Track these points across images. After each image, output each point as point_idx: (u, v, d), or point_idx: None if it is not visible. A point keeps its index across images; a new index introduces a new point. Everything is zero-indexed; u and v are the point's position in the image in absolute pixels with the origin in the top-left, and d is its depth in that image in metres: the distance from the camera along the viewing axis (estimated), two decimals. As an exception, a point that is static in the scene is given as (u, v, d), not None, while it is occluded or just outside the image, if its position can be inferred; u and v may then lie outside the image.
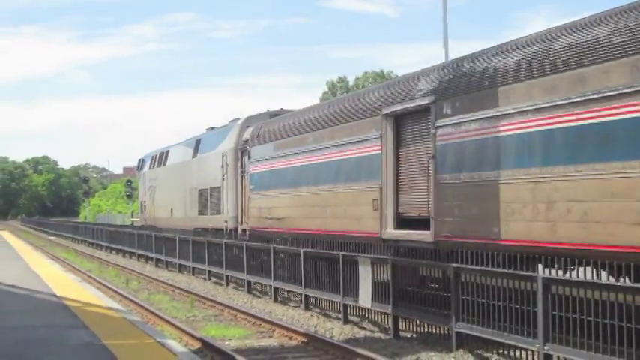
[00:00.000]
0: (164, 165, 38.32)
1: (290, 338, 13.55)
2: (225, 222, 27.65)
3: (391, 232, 15.69)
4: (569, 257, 10.51)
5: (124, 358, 9.43)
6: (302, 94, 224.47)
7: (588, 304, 9.33)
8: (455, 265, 11.81)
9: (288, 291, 18.70)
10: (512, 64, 12.39)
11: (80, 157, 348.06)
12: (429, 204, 14.44)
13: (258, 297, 19.82)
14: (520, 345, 10.64)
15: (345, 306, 15.20)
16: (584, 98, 10.78)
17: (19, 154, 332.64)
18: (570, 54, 11.14)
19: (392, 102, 15.86)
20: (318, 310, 16.77)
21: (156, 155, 40.71)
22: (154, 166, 40.65)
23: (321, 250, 16.52)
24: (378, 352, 11.67)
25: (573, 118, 10.97)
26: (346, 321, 15.03)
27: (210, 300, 18.98)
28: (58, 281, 19.84)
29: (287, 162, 21.18)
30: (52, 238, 64.20)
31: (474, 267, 11.58)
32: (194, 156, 32.81)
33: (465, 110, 13.32)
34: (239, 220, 26.14)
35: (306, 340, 13.10)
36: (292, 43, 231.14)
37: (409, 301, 13.28)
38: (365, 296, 14.30)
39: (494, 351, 11.44)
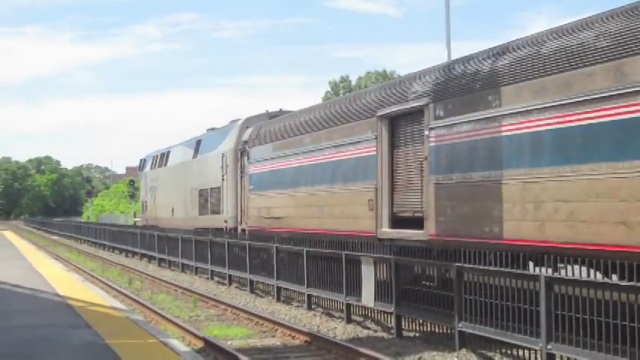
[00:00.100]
0: (165, 165, 38.53)
1: (293, 338, 13.55)
2: (225, 222, 27.85)
3: (386, 231, 15.96)
4: (556, 256, 10.67)
5: (127, 358, 9.44)
6: (305, 94, 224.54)
7: (591, 303, 9.33)
8: (457, 264, 11.81)
9: (290, 290, 18.70)
10: (502, 68, 12.69)
11: (83, 157, 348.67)
12: (422, 204, 14.74)
13: (261, 297, 19.83)
14: (523, 344, 10.64)
15: (348, 305, 15.20)
16: (570, 101, 11.08)
17: (21, 153, 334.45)
18: (556, 58, 11.42)
19: (387, 104, 16.17)
20: (320, 309, 16.78)
21: (157, 155, 40.95)
22: (155, 166, 40.89)
23: (325, 250, 16.53)
24: (381, 351, 11.67)
25: (560, 120, 11.30)
26: (349, 320, 15.04)
27: (213, 300, 18.99)
28: (61, 281, 19.87)
29: (285, 162, 21.47)
30: (55, 237, 64.29)
31: (476, 266, 11.59)
32: (194, 156, 33.01)
33: (456, 112, 13.61)
34: (238, 220, 26.37)
35: (308, 339, 13.10)
36: (295, 42, 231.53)
37: (412, 300, 13.28)
38: (368, 296, 14.30)
39: (497, 350, 11.43)
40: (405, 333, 13.45)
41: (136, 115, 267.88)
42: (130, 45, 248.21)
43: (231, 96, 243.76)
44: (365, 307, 14.92)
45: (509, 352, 11.28)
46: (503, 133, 12.43)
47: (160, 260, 31.85)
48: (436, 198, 14.06)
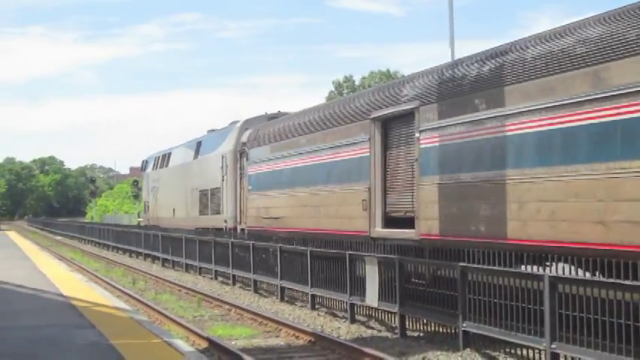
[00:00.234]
0: (167, 166, 39.02)
1: (297, 338, 13.55)
2: (225, 221, 28.23)
3: (379, 230, 16.45)
4: (539, 254, 11.06)
5: (131, 358, 9.44)
6: (308, 94, 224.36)
7: (595, 302, 9.32)
8: (462, 264, 11.81)
9: (294, 290, 18.70)
10: (487, 73, 13.16)
11: (87, 157, 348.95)
12: (413, 204, 15.20)
13: (265, 296, 19.83)
14: (527, 344, 10.63)
15: (352, 305, 15.20)
16: (551, 105, 11.54)
17: (25, 154, 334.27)
18: (538, 63, 11.91)
19: (380, 107, 16.68)
20: (324, 309, 16.78)
21: (159, 157, 41.44)
22: (157, 167, 41.37)
23: (329, 250, 16.55)
24: (385, 351, 11.66)
25: (542, 123, 11.80)
26: (353, 320, 15.03)
27: (217, 300, 18.99)
28: (65, 281, 19.88)
29: (282, 163, 21.99)
30: (59, 238, 64.38)
31: (480, 266, 11.61)
32: (195, 157, 33.48)
33: (445, 115, 14.10)
34: (238, 220, 26.81)
35: (312, 339, 13.09)
36: (298, 42, 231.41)
37: (416, 300, 13.29)
38: (372, 296, 14.30)
39: (502, 350, 11.42)
40: (409, 333, 13.44)
41: (139, 115, 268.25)
42: (132, 45, 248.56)
43: (235, 96, 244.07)
44: (369, 307, 14.91)
45: (513, 351, 11.27)
46: (489, 136, 12.91)
47: (164, 260, 31.89)
48: (426, 198, 14.50)
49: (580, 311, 9.54)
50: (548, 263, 10.84)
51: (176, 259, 30.06)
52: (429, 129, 14.54)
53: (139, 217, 53.91)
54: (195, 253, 26.97)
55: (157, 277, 26.07)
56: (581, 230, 10.80)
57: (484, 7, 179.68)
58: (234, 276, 22.87)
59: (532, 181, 11.81)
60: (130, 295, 20.05)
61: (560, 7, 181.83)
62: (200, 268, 26.75)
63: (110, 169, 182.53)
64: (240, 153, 26.61)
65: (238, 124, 28.50)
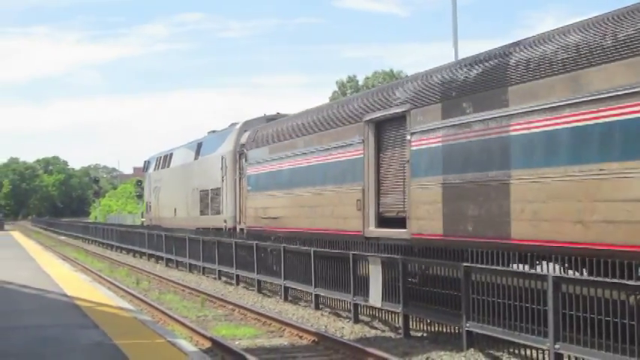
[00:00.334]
0: (168, 167, 39.39)
1: (300, 338, 13.56)
2: (225, 221, 28.51)
3: (373, 230, 16.81)
4: (524, 253, 11.41)
5: (135, 358, 9.45)
6: (311, 94, 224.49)
7: (599, 302, 9.32)
8: (465, 264, 11.82)
9: (298, 290, 18.72)
10: (472, 77, 13.59)
11: (90, 157, 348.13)
12: (405, 204, 15.55)
13: (269, 296, 19.85)
14: (531, 344, 10.64)
15: (356, 305, 15.21)
16: (534, 109, 11.93)
17: (29, 154, 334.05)
18: (522, 69, 12.29)
19: (373, 109, 17.09)
20: (328, 309, 16.79)
21: (160, 157, 41.84)
22: (158, 167, 41.77)
23: (332, 250, 16.59)
24: (389, 351, 11.67)
25: (525, 126, 12.15)
26: (356, 320, 15.04)
27: (221, 300, 19.01)
28: (69, 281, 19.91)
29: (280, 164, 22.43)
30: (63, 238, 64.43)
31: (484, 266, 11.62)
32: (196, 158, 33.87)
33: (434, 118, 14.52)
34: (237, 220, 27.11)
35: (316, 339, 13.11)
36: (302, 42, 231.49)
37: (419, 300, 13.31)
38: (375, 296, 14.31)
39: (505, 350, 11.42)
40: (412, 333, 13.45)
41: (142, 115, 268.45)
42: (136, 45, 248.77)
43: (238, 96, 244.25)
44: (372, 307, 14.92)
45: (516, 351, 11.27)
46: (475, 138, 13.29)
47: (168, 260, 31.93)
48: (417, 199, 14.90)
49: (584, 311, 9.55)
50: (537, 262, 11.20)
51: (180, 259, 30.11)
52: (419, 131, 14.94)
53: (142, 217, 54.03)
54: (198, 253, 27.02)
55: (160, 277, 26.10)
56: (561, 230, 11.17)
57: (488, 7, 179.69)
58: (237, 276, 22.90)
59: (516, 182, 12.20)
60: (133, 295, 20.08)
61: (564, 7, 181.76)
62: (204, 268, 26.78)
63: (114, 169, 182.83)
64: (240, 154, 26.97)
65: (238, 126, 28.86)
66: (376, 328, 14.38)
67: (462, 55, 21.66)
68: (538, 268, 11.22)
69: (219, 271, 24.89)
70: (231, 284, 23.10)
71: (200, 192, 32.21)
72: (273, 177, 22.91)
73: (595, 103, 10.76)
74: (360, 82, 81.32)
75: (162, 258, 32.86)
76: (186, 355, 9.73)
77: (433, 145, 14.45)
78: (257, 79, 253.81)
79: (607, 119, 10.58)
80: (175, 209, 36.82)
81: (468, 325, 11.69)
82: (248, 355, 11.35)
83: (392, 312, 14.25)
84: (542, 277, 10.25)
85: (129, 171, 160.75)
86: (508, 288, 10.96)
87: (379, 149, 16.91)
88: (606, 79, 10.61)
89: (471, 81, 13.60)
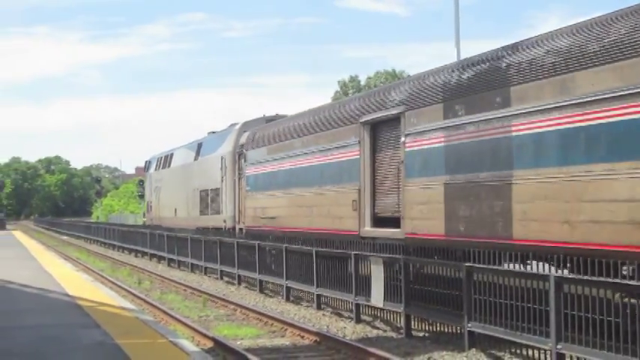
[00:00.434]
0: (169, 167, 39.68)
1: (302, 338, 13.56)
2: (224, 221, 28.76)
3: (368, 229, 17.09)
4: (514, 251, 11.72)
5: (136, 358, 9.46)
6: (313, 94, 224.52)
7: (601, 303, 9.32)
8: (467, 264, 11.82)
9: (299, 290, 18.72)
10: (464, 80, 13.82)
11: (92, 157, 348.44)
12: (399, 204, 15.79)
13: (270, 297, 19.85)
14: (533, 344, 10.63)
15: (357, 305, 15.21)
16: (522, 111, 12.20)
17: (31, 154, 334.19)
18: (512, 72, 12.52)
19: (369, 111, 17.34)
20: (330, 309, 16.79)
21: (161, 157, 42.10)
22: (159, 167, 42.05)
23: (334, 250, 16.60)
24: (391, 351, 11.66)
25: (514, 128, 12.39)
26: (358, 320, 15.04)
27: (223, 300, 19.01)
28: (71, 281, 19.92)
29: (278, 165, 22.71)
30: (65, 238, 64.46)
31: (486, 266, 11.63)
32: (196, 158, 34.17)
33: (427, 120, 14.78)
34: (236, 220, 27.36)
35: (318, 339, 13.10)
36: (304, 42, 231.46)
37: (421, 300, 13.31)
38: (377, 295, 14.31)
39: (507, 350, 11.42)
40: (414, 333, 13.45)
41: (144, 115, 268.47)
42: (138, 45, 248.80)
43: (240, 95, 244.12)
44: (374, 307, 14.92)
45: (518, 351, 11.26)
46: (466, 140, 13.53)
47: (170, 260, 31.95)
48: (411, 199, 15.16)
49: (586, 311, 9.55)
50: (529, 262, 11.50)
51: (182, 259, 30.13)
52: (413, 133, 15.19)
53: (144, 216, 54.09)
54: (200, 253, 27.04)
55: (162, 277, 26.11)
56: (549, 229, 11.42)
57: (491, 7, 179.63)
58: (239, 276, 22.90)
59: (507, 182, 12.44)
60: (135, 295, 20.08)
61: (567, 7, 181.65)
62: (205, 268, 26.79)
63: (116, 169, 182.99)
64: (239, 154, 27.23)
65: (237, 127, 29.11)
66: (378, 328, 14.38)
67: (464, 56, 21.81)
68: (528, 267, 11.54)
69: (221, 271, 24.89)
70: (233, 284, 23.10)
71: (200, 192, 32.46)
72: (272, 177, 23.17)
73: (581, 106, 11.03)
74: (362, 82, 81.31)
75: (164, 258, 32.88)
76: (188, 355, 9.74)
77: (426, 146, 14.73)
78: (258, 79, 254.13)
79: (592, 122, 10.84)
80: (176, 209, 37.08)
81: (469, 325, 11.69)
82: (250, 355, 11.35)
83: (394, 312, 14.25)
84: (544, 278, 10.24)
85: (131, 171, 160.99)
86: (510, 288, 10.96)
87: (375, 150, 17.17)
88: (592, 82, 10.83)
89: (462, 84, 13.85)
